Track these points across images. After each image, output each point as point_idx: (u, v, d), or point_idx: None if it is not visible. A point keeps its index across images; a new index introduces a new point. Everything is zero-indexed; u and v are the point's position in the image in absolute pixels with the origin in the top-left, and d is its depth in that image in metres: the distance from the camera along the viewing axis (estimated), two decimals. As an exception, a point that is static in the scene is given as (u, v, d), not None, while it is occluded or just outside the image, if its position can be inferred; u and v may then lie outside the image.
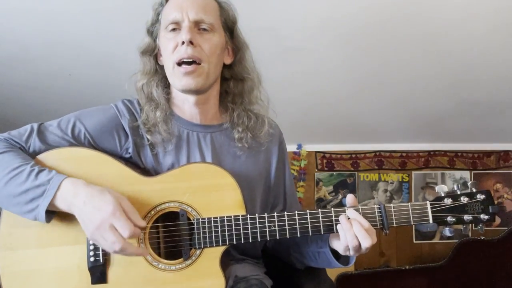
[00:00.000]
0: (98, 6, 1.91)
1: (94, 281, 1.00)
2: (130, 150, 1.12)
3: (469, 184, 1.06)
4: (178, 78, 1.08)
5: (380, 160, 3.15)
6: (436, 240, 3.12)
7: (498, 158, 3.15)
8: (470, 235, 3.06)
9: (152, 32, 1.16)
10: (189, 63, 1.06)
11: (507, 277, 2.60)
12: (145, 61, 1.16)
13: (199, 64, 1.07)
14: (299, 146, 3.12)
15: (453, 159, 3.15)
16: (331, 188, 3.16)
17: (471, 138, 3.06)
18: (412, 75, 2.41)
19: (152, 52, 1.17)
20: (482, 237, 2.68)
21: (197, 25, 1.08)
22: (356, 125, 2.91)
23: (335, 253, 1.09)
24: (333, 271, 2.60)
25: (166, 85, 1.17)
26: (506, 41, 2.13)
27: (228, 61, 1.19)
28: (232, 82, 1.22)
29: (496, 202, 3.10)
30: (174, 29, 1.08)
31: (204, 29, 1.09)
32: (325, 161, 3.15)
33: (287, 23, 2.00)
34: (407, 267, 2.68)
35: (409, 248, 3.09)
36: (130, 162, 1.12)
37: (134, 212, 0.95)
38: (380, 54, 2.25)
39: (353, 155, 3.16)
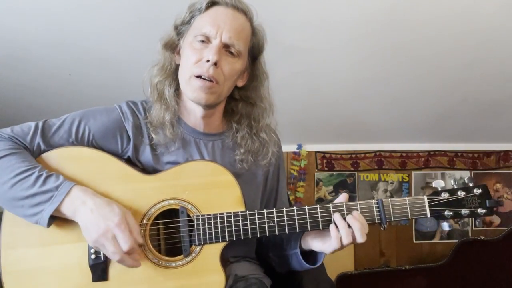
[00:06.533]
0: (98, 6, 1.91)
1: (95, 279, 1.00)
2: (129, 152, 1.13)
3: (465, 179, 1.08)
4: (192, 89, 1.09)
5: (380, 160, 3.15)
6: (436, 240, 3.11)
7: (498, 158, 3.14)
8: (470, 235, 3.07)
9: (179, 30, 1.15)
10: (207, 79, 1.07)
11: (507, 277, 2.60)
12: (166, 56, 1.16)
13: (217, 83, 1.08)
14: (299, 146, 3.12)
15: (453, 159, 3.15)
16: (331, 188, 3.15)
17: (471, 138, 3.06)
18: (412, 76, 2.41)
19: (173, 49, 1.17)
20: (482, 237, 2.68)
21: (226, 47, 1.09)
22: (356, 125, 2.91)
23: (304, 254, 1.12)
24: (333, 271, 2.60)
25: (177, 86, 1.18)
26: (507, 41, 2.14)
27: (240, 83, 1.20)
28: (241, 104, 1.23)
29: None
30: (203, 41, 1.08)
31: (231, 53, 1.10)
32: (325, 161, 3.15)
33: (288, 23, 2.01)
34: (407, 267, 2.68)
35: (409, 248, 3.08)
36: (130, 162, 1.14)
37: (136, 228, 0.98)
38: (380, 55, 2.26)
39: (353, 155, 3.16)
